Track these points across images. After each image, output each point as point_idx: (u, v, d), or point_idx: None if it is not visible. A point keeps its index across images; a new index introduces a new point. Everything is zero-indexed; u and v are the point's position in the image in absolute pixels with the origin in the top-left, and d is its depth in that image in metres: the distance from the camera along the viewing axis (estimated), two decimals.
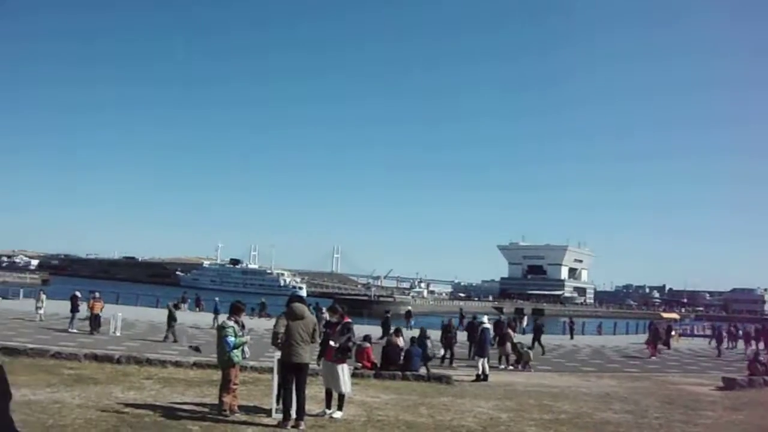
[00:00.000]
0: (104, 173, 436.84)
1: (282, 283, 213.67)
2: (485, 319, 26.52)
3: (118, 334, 31.21)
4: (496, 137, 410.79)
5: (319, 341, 13.43)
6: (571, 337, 53.00)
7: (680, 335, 57.96)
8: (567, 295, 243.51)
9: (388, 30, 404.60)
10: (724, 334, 48.17)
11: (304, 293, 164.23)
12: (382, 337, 31.77)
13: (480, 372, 22.80)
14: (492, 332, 27.08)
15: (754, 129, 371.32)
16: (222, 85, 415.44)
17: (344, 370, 13.32)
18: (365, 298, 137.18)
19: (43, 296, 39.91)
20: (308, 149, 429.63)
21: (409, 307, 73.75)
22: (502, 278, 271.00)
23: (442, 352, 28.48)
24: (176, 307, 58.82)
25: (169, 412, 12.49)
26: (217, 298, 50.85)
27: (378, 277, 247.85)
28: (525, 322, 58.82)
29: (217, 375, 17.05)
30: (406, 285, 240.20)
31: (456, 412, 14.86)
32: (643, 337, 45.91)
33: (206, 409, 13.04)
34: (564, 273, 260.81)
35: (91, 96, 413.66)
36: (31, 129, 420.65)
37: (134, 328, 32.68)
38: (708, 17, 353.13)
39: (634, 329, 67.40)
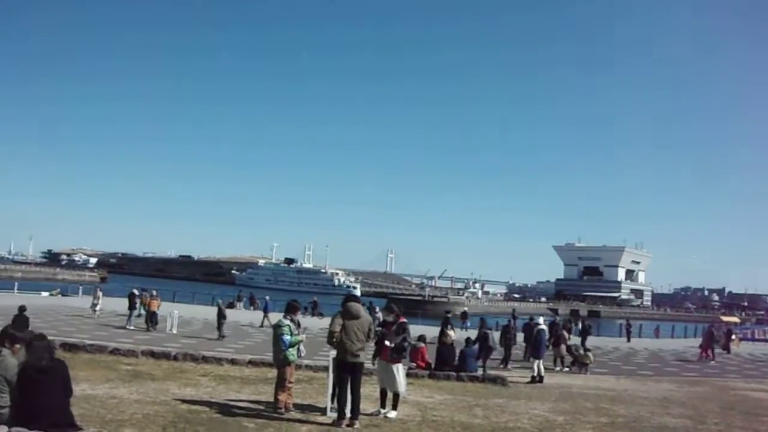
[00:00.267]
0: (161, 174, 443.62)
1: (336, 283, 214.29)
2: (541, 320, 26.23)
3: (174, 331, 31.52)
4: (553, 140, 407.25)
5: (375, 341, 13.38)
6: (628, 340, 52.31)
7: (740, 339, 56.67)
8: (623, 297, 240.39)
9: (468, 37, 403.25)
10: None
11: (358, 293, 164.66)
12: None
13: (535, 374, 22.52)
14: (547, 334, 26.74)
15: None
16: (274, 82, 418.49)
17: (399, 370, 13.23)
18: (419, 298, 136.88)
19: (100, 293, 40.55)
20: (364, 150, 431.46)
21: (465, 308, 73.42)
22: (558, 279, 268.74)
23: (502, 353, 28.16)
24: (231, 305, 59.83)
25: (225, 409, 12.55)
26: (267, 297, 51.11)
27: (432, 278, 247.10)
28: (590, 325, 58.08)
29: (272, 373, 17.10)
30: (460, 285, 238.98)
31: (511, 413, 14.67)
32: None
33: (261, 407, 13.07)
34: (621, 275, 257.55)
35: (143, 97, 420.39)
36: (90, 135, 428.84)
37: (190, 326, 33.03)
38: None
39: (693, 333, 66.20)
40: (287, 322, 13.03)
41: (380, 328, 13.95)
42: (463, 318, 54.26)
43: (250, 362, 20.09)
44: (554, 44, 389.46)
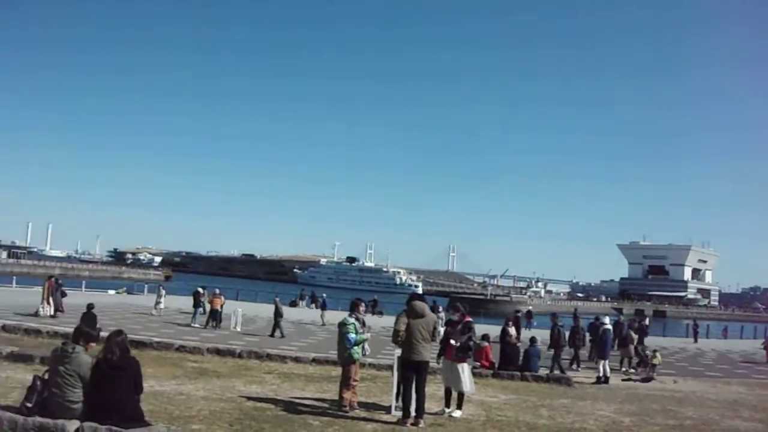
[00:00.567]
0: (223, 173, 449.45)
1: (398, 281, 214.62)
2: (606, 320, 25.81)
3: (238, 329, 31.80)
4: (617, 140, 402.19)
5: (440, 340, 13.30)
6: (695, 341, 51.32)
7: None
8: (690, 296, 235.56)
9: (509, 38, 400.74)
10: None
11: (420, 292, 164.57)
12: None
13: (601, 374, 22.21)
14: (611, 334, 26.29)
15: None
16: (330, 81, 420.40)
17: (465, 369, 13.16)
18: (482, 297, 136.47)
19: (163, 292, 41.21)
20: (425, 150, 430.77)
21: (530, 307, 72.82)
22: (622, 278, 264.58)
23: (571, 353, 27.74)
24: (293, 304, 60.22)
25: (290, 407, 12.61)
26: (324, 295, 51.32)
27: (494, 276, 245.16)
28: (647, 324, 56.95)
29: (335, 371, 17.16)
30: (522, 284, 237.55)
31: (577, 414, 14.49)
32: None
33: (326, 405, 13.11)
34: (687, 274, 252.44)
35: (208, 97, 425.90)
36: (152, 134, 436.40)
37: (254, 324, 33.29)
38: None
39: (763, 334, 64.50)
40: (352, 320, 13.03)
41: (445, 327, 13.85)
42: (528, 317, 53.67)
43: (314, 360, 20.17)
44: (625, 43, 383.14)
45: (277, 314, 31.81)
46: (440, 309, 36.21)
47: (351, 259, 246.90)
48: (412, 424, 11.55)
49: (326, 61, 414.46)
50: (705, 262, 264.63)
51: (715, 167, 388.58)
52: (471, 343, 13.55)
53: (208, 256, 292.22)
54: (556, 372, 22.87)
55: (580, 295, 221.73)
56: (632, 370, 26.47)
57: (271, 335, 30.26)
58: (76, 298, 34.10)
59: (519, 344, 24.22)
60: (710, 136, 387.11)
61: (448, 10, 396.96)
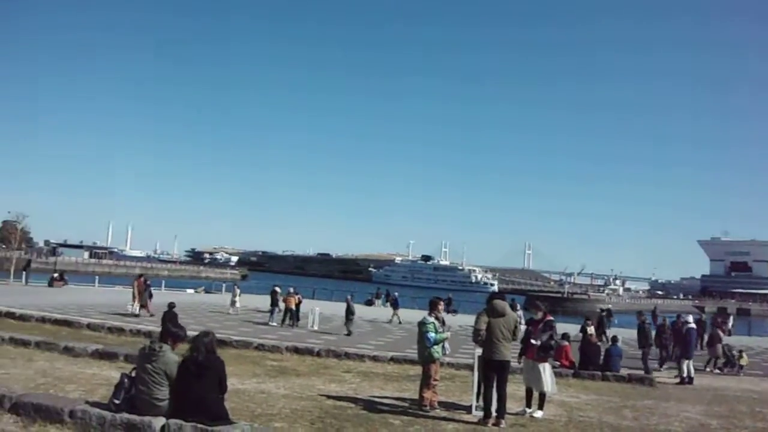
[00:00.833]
0: (300, 173, 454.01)
1: (473, 280, 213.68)
2: (690, 318, 25.16)
3: (315, 328, 31.96)
4: (697, 132, 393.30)
5: (520, 339, 13.13)
6: None
7: None
8: None
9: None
10: None
11: (495, 289, 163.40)
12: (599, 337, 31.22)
13: (685, 374, 21.67)
14: (695, 333, 25.60)
15: None
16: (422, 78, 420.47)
17: (546, 369, 12.99)
18: (558, 295, 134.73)
19: (238, 290, 41.87)
20: (499, 148, 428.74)
21: (609, 306, 71.71)
22: (703, 275, 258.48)
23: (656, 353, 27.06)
24: (370, 303, 60.33)
25: (370, 406, 12.61)
26: (396, 293, 51.24)
27: (571, 274, 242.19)
28: (731, 323, 55.22)
29: (413, 370, 17.14)
30: (600, 282, 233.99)
31: (661, 416, 14.14)
32: None
33: (406, 404, 13.07)
34: None
35: (281, 96, 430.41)
36: (228, 135, 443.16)
37: (331, 323, 33.43)
38: None
39: None
40: (431, 319, 12.96)
41: (526, 326, 13.67)
42: (608, 316, 52.77)
43: (392, 359, 20.15)
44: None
45: (349, 312, 31.88)
46: (518, 307, 35.86)
47: (426, 258, 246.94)
48: (493, 425, 11.45)
49: (413, 60, 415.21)
50: None
51: None
52: (552, 342, 13.35)
53: (284, 255, 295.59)
54: (641, 372, 22.38)
55: (659, 292, 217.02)
56: (717, 371, 25.77)
57: (347, 334, 30.35)
58: (157, 297, 34.68)
59: (600, 343, 23.84)
60: None
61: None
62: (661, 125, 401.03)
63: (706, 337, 29.43)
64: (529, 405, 13.06)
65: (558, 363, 20.35)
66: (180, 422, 8.29)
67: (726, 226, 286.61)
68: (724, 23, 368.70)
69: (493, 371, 11.80)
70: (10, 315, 26.14)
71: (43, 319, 25.32)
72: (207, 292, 66.85)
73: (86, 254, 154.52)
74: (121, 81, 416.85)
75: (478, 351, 12.28)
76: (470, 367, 16.81)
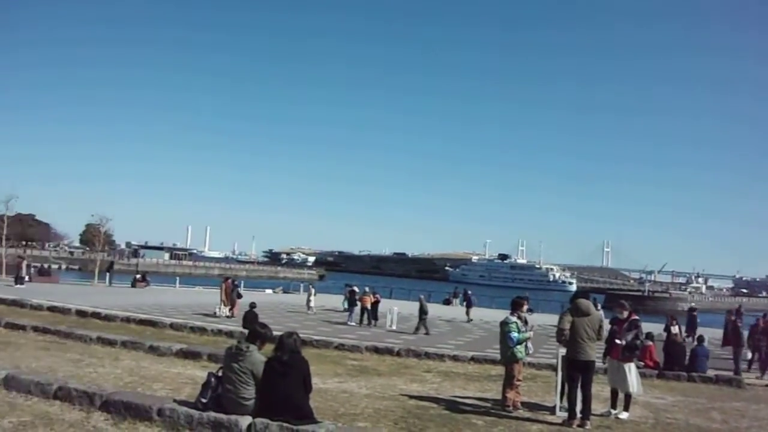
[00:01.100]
0: (375, 173, 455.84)
1: (551, 278, 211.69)
2: None
3: (394, 327, 31.97)
4: None
5: (605, 338, 12.90)
6: None
7: None
8: None
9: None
10: None
11: (574, 288, 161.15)
12: (688, 336, 30.60)
13: None
14: None
15: None
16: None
17: (631, 369, 12.74)
18: (639, 293, 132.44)
19: (313, 290, 42.65)
20: (575, 146, 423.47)
21: (693, 304, 70.14)
22: None
23: (749, 355, 26.22)
24: (447, 302, 60.17)
25: (453, 406, 12.55)
26: (469, 291, 51.01)
27: (651, 272, 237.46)
28: None
29: (494, 370, 17.04)
30: (681, 280, 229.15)
31: (752, 419, 13.72)
32: None
33: (488, 404, 12.97)
34: None
35: (362, 95, 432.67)
36: (305, 136, 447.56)
37: (409, 322, 33.37)
38: None
39: None
40: (514, 319, 12.85)
41: (611, 326, 13.42)
42: (691, 315, 51.47)
43: (473, 359, 20.04)
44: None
45: (422, 312, 31.75)
46: (598, 306, 35.33)
47: (503, 256, 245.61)
48: (578, 426, 11.28)
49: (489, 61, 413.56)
50: None
51: None
52: (638, 341, 13.10)
53: (360, 255, 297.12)
54: (728, 373, 21.77)
55: (744, 290, 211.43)
56: None
57: (425, 333, 30.25)
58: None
59: (684, 343, 23.32)
60: None
61: None
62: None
63: None
64: (614, 406, 12.81)
65: (642, 363, 19.98)
66: (266, 421, 8.37)
67: None
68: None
69: (577, 371, 11.62)
70: (96, 315, 26.83)
71: (127, 319, 25.89)
72: (285, 292, 67.62)
73: (167, 256, 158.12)
74: (200, 83, 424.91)
75: (562, 351, 12.13)
76: (552, 367, 16.65)
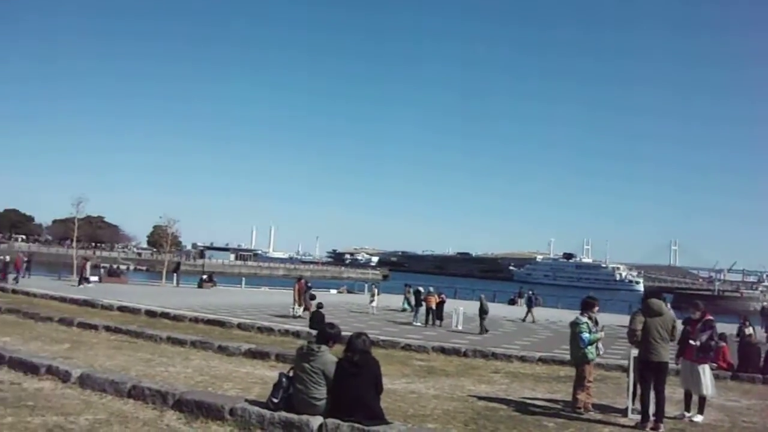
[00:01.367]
0: (438, 173, 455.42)
1: (617, 278, 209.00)
2: None
3: (459, 327, 31.81)
4: None
5: (678, 339, 12.64)
6: None
7: None
8: None
9: None
10: None
11: (641, 288, 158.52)
12: None
13: None
14: None
15: None
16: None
17: (705, 371, 12.46)
18: (708, 293, 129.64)
19: (375, 290, 43.33)
20: (638, 141, 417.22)
21: (766, 303, 68.50)
22: None
23: None
24: (513, 302, 59.83)
25: (522, 407, 12.42)
26: (530, 291, 50.72)
27: (721, 270, 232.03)
28: None
29: (563, 371, 16.82)
30: (753, 279, 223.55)
31: None
32: None
33: (558, 406, 12.81)
34: None
35: (428, 95, 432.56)
36: (362, 137, 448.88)
37: (474, 322, 33.09)
38: None
39: None
40: (585, 319, 12.66)
41: (684, 326, 13.15)
42: (765, 315, 50.14)
43: (540, 359, 19.83)
44: None
45: (482, 311, 31.54)
46: (668, 306, 34.65)
47: (568, 255, 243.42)
48: (651, 429, 11.06)
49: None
50: None
51: None
52: (712, 342, 12.82)
53: (424, 255, 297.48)
54: None
55: None
56: None
57: (480, 333, 30.12)
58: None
59: (759, 344, 22.77)
60: None
61: None
62: None
63: None
64: (688, 409, 12.54)
65: (715, 365, 19.54)
66: (337, 421, 8.40)
67: None
68: None
69: (650, 373, 11.42)
70: (165, 315, 27.30)
71: (196, 320, 26.26)
72: (349, 292, 67.97)
73: (232, 256, 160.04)
74: (275, 83, 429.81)
75: (634, 352, 11.93)
76: (621, 368, 16.41)
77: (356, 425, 8.24)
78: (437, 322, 33.87)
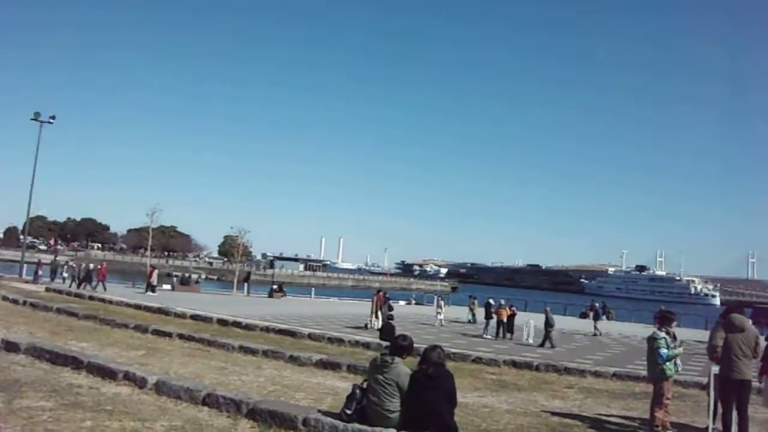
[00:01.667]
0: (506, 185, 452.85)
1: (692, 291, 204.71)
2: None
3: (530, 341, 31.44)
4: None
5: (761, 356, 12.23)
6: None
7: None
8: None
9: None
10: None
11: (717, 302, 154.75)
12: None
13: None
14: None
15: None
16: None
17: None
18: None
19: (442, 302, 43.04)
20: (714, 150, 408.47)
21: None
22: None
23: None
24: (584, 315, 58.95)
25: (597, 424, 12.13)
26: (596, 304, 49.74)
27: None
28: None
29: (638, 387, 16.45)
30: None
31: None
32: None
33: (635, 424, 12.48)
34: None
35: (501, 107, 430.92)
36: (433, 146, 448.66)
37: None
38: None
39: None
40: (662, 334, 12.28)
41: (767, 342, 12.73)
42: None
43: (615, 375, 19.40)
44: None
45: (548, 324, 31.02)
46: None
47: (640, 268, 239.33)
48: None
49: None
50: None
51: None
52: None
53: (493, 266, 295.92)
54: None
55: None
56: None
57: (541, 345, 29.69)
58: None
59: None
60: None
61: None
62: None
63: None
64: None
65: None
66: None
67: None
68: None
69: (731, 391, 11.06)
70: (236, 324, 27.57)
71: (267, 329, 26.44)
72: (418, 303, 67.85)
73: (301, 267, 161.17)
74: (323, 94, 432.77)
75: (715, 369, 11.56)
76: (700, 386, 15.93)
77: None
78: (508, 335, 33.52)
